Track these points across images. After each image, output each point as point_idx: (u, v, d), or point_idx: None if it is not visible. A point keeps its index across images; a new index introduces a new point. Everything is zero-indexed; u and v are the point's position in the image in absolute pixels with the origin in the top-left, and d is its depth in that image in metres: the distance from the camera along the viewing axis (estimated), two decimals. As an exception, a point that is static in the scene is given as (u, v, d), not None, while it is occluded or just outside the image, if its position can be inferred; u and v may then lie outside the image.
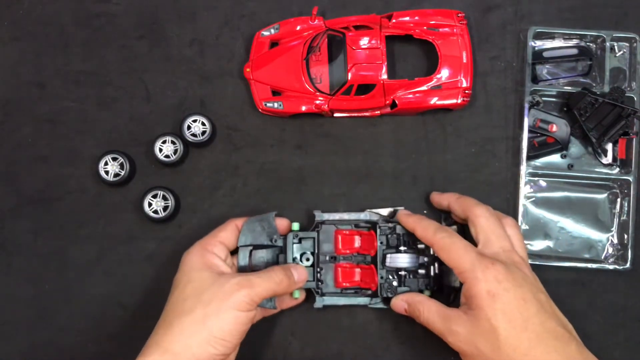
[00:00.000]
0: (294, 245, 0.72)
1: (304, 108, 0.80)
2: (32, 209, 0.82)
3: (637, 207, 0.79)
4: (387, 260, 0.71)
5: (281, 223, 0.72)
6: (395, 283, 0.71)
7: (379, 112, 0.81)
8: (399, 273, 0.71)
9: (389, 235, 0.72)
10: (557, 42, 0.83)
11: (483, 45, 0.83)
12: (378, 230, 0.72)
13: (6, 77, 0.85)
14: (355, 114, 0.82)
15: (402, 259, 0.71)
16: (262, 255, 0.71)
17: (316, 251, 0.72)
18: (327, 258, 0.73)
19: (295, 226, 0.72)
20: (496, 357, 0.56)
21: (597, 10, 0.84)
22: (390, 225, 0.72)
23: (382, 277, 0.71)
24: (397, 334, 0.78)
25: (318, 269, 0.72)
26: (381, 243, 0.71)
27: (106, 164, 0.80)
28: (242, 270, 0.70)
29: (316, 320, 0.79)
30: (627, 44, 0.82)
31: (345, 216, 0.74)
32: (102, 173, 0.80)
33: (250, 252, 0.70)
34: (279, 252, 0.72)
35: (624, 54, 0.83)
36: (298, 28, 0.83)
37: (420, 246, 0.71)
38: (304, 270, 0.69)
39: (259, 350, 0.78)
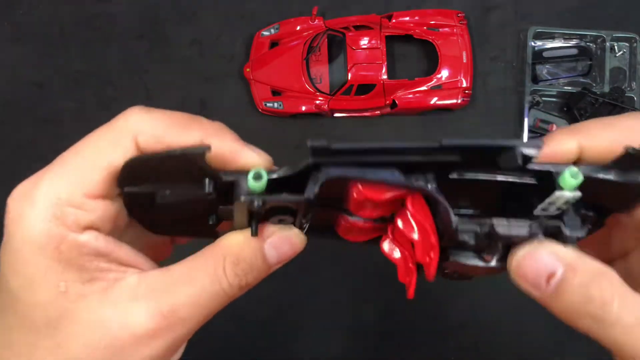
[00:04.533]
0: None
1: (304, 108, 0.80)
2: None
3: (637, 207, 0.79)
4: (454, 258, 0.30)
5: (224, 150, 0.29)
6: None
7: (379, 112, 0.81)
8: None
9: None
10: (557, 42, 0.83)
11: (483, 45, 0.83)
12: (453, 217, 0.27)
13: (6, 77, 0.85)
14: (355, 114, 0.82)
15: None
16: (172, 201, 0.28)
17: (301, 218, 0.30)
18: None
19: (256, 178, 0.27)
20: None
21: (597, 10, 0.84)
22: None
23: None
24: (398, 334, 0.78)
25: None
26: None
27: (106, 164, 0.80)
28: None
29: (316, 319, 0.79)
30: (627, 44, 0.82)
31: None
32: (102, 173, 0.80)
33: (151, 201, 0.28)
34: (214, 203, 0.29)
35: (624, 54, 0.83)
36: (298, 28, 0.83)
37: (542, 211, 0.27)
38: (287, 237, 0.29)
39: (261, 350, 0.78)
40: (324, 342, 0.79)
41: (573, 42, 0.83)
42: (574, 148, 0.28)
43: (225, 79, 0.84)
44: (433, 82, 0.80)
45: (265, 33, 0.83)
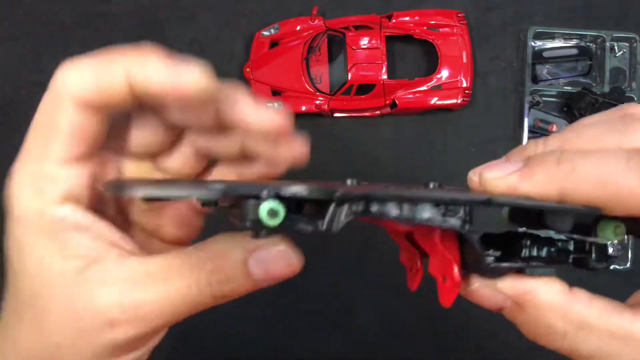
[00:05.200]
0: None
1: (304, 108, 0.80)
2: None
3: (637, 207, 0.79)
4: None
5: (151, 83, 0.25)
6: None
7: (379, 112, 0.81)
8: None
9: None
10: (557, 42, 0.83)
11: (483, 45, 0.83)
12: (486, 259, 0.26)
13: (6, 77, 0.85)
14: (355, 114, 0.82)
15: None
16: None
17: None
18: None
19: (271, 215, 0.21)
20: None
21: (597, 10, 0.84)
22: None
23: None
24: (398, 334, 0.78)
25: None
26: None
27: (106, 164, 0.80)
28: None
29: (316, 319, 0.79)
30: (627, 44, 0.82)
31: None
32: (102, 173, 0.80)
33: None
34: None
35: (624, 54, 0.83)
36: (298, 28, 0.83)
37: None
38: (278, 254, 0.26)
39: (260, 350, 0.78)
40: (324, 342, 0.79)
41: (573, 42, 0.83)
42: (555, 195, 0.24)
43: (225, 79, 0.84)
44: (433, 82, 0.80)
45: (265, 33, 0.83)
